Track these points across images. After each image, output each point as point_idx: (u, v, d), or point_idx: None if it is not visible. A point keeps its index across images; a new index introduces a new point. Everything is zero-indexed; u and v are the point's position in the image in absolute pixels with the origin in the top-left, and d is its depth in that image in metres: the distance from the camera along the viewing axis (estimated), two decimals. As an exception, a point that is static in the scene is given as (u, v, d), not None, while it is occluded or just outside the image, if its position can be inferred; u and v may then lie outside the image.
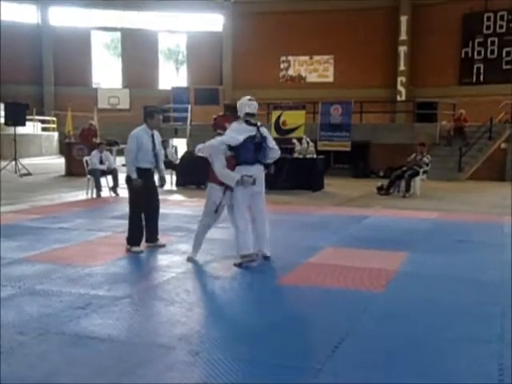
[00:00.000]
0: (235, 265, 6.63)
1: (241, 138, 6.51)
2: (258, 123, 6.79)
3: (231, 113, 7.35)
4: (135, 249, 7.42)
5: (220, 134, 6.81)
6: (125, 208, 10.57)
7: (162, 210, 8.95)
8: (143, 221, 7.62)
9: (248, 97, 6.94)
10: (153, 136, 7.67)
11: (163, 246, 7.74)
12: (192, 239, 7.24)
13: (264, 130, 6.83)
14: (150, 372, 3.74)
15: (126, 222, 9.23)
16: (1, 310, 4.92)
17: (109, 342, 4.26)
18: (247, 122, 6.68)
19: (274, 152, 6.86)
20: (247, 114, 6.73)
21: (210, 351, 4.09)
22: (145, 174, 7.47)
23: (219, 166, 6.62)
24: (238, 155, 6.59)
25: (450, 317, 4.93)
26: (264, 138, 6.71)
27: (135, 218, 7.57)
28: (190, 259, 6.90)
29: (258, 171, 6.70)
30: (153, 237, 7.74)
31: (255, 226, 6.90)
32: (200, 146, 6.96)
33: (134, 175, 7.36)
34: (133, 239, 7.51)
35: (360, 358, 4.03)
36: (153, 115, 7.86)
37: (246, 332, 4.58)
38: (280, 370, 3.78)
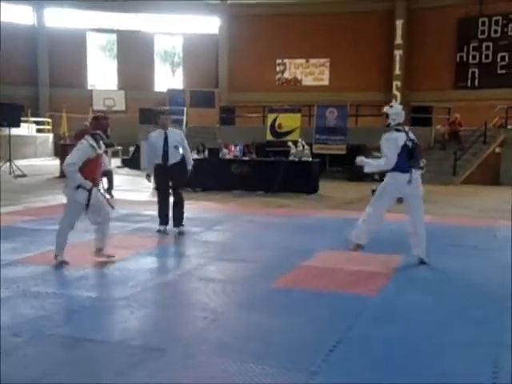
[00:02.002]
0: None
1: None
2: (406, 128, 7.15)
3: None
4: (158, 227, 8.86)
5: None
6: (119, 210, 10.57)
7: (156, 212, 8.99)
8: (167, 208, 8.93)
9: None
10: (165, 135, 8.70)
11: (183, 232, 8.82)
12: (188, 241, 7.26)
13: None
14: (143, 374, 3.74)
15: (123, 223, 9.33)
16: (-5, 311, 4.92)
17: (103, 344, 4.26)
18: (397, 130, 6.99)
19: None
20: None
21: (204, 353, 4.09)
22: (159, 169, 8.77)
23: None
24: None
25: (445, 320, 4.95)
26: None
27: (158, 204, 8.99)
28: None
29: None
30: (175, 222, 8.92)
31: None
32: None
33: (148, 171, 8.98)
34: (160, 220, 8.95)
35: (355, 360, 4.04)
36: (159, 116, 9.05)
37: (240, 334, 4.58)
38: (275, 371, 3.78)
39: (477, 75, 27.73)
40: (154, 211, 9.69)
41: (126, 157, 25.59)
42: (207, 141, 18.91)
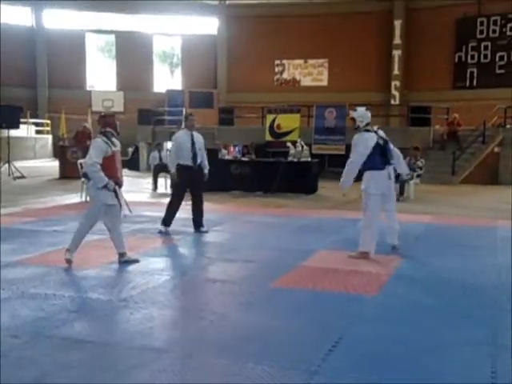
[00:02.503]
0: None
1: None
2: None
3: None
4: (160, 228, 8.89)
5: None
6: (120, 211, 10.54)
7: (155, 214, 8.98)
8: (177, 211, 9.01)
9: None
10: (192, 136, 8.87)
11: (206, 231, 8.96)
12: (188, 242, 7.27)
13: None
14: (143, 375, 3.74)
15: (122, 224, 9.27)
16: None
17: (102, 346, 4.26)
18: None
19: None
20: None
21: (203, 354, 4.09)
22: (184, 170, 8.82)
23: None
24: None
25: (444, 320, 4.95)
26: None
27: (172, 205, 8.97)
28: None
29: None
30: (196, 225, 9.05)
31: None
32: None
33: (173, 170, 8.91)
34: (165, 221, 8.95)
35: (354, 360, 4.04)
36: (187, 118, 9.27)
37: (240, 335, 4.58)
38: (275, 371, 3.78)
39: (475, 75, 27.75)
40: (153, 212, 9.71)
41: (124, 158, 25.58)
42: (206, 141, 18.89)
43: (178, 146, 8.93)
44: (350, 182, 7.44)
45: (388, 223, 7.78)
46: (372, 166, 7.24)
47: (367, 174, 7.30)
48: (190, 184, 8.97)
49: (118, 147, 6.72)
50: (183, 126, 9.29)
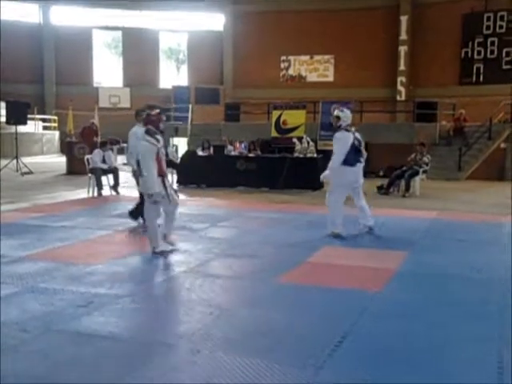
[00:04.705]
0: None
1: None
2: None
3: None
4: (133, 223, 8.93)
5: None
6: (126, 206, 10.62)
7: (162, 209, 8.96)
8: None
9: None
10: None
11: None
12: (194, 237, 7.32)
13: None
14: (151, 370, 3.78)
15: (127, 220, 9.32)
16: (4, 307, 4.97)
17: (111, 340, 4.31)
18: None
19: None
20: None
21: (211, 349, 4.14)
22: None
23: None
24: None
25: (450, 316, 4.97)
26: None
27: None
28: None
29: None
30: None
31: None
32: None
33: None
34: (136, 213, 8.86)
35: (360, 356, 4.07)
36: (140, 114, 8.69)
37: (245, 330, 4.62)
38: (281, 366, 3.82)
39: (482, 71, 27.63)
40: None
41: (131, 154, 25.64)
42: (212, 137, 18.96)
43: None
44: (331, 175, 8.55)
45: (359, 208, 8.90)
46: (345, 162, 8.31)
47: (341, 168, 8.34)
48: None
49: (161, 143, 7.01)
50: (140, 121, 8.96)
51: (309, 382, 3.63)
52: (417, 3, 29.26)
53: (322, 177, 8.87)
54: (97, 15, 33.96)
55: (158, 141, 6.91)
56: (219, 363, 3.90)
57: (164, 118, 7.17)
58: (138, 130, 8.10)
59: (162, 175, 6.97)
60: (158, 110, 7.34)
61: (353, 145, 8.37)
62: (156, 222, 7.24)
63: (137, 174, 7.38)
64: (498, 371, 3.81)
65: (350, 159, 8.34)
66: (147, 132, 6.90)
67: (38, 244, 7.71)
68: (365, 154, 8.78)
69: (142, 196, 8.63)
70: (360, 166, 8.58)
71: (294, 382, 3.62)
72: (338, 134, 8.37)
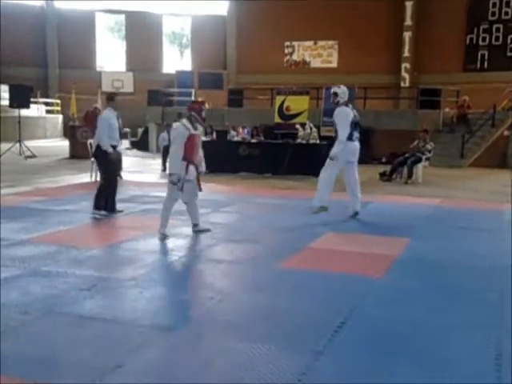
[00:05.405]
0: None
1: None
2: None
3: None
4: (102, 213, 8.58)
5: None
6: (129, 191, 10.65)
7: (165, 194, 8.99)
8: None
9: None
10: (118, 117, 8.81)
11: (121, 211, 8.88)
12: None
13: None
14: (152, 353, 3.81)
15: (131, 204, 9.38)
16: (5, 290, 5.00)
17: (112, 323, 4.33)
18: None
19: None
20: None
21: (212, 333, 4.17)
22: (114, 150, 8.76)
23: None
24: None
25: (450, 302, 4.99)
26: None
27: (107, 188, 8.74)
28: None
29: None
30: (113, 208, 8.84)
31: None
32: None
33: (110, 149, 8.55)
34: (100, 204, 8.67)
35: (360, 341, 4.10)
36: (113, 98, 8.93)
37: (247, 315, 4.65)
38: (281, 351, 3.84)
39: (486, 57, 27.48)
40: (162, 193, 9.74)
41: (134, 139, 25.66)
42: (216, 123, 18.93)
43: (110, 127, 8.69)
44: (339, 149, 8.73)
45: (350, 191, 8.95)
46: (347, 137, 8.63)
47: (341, 143, 8.67)
48: (118, 165, 9.54)
49: (198, 131, 7.18)
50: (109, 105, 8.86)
51: (309, 366, 3.66)
52: (422, -11, 29.03)
53: (333, 155, 8.84)
54: (100, -2, 33.79)
55: (196, 129, 7.08)
56: (220, 347, 3.93)
57: (206, 107, 7.23)
58: (109, 113, 8.70)
59: (189, 161, 7.00)
60: (201, 99, 7.68)
61: (353, 121, 8.72)
62: (170, 205, 7.22)
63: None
64: (497, 357, 3.83)
65: (350, 134, 8.69)
66: (189, 118, 7.06)
67: (40, 227, 7.74)
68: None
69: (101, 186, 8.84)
70: (357, 141, 8.89)
71: (294, 367, 3.64)
72: (337, 110, 8.76)
